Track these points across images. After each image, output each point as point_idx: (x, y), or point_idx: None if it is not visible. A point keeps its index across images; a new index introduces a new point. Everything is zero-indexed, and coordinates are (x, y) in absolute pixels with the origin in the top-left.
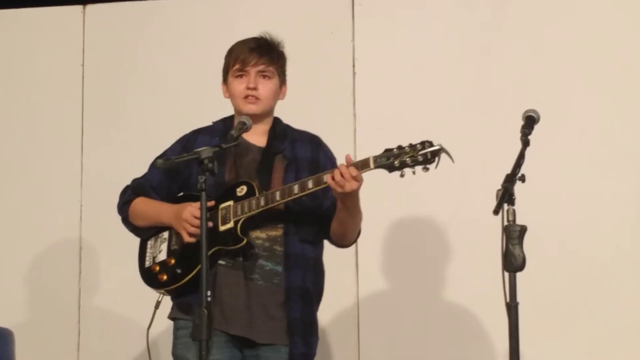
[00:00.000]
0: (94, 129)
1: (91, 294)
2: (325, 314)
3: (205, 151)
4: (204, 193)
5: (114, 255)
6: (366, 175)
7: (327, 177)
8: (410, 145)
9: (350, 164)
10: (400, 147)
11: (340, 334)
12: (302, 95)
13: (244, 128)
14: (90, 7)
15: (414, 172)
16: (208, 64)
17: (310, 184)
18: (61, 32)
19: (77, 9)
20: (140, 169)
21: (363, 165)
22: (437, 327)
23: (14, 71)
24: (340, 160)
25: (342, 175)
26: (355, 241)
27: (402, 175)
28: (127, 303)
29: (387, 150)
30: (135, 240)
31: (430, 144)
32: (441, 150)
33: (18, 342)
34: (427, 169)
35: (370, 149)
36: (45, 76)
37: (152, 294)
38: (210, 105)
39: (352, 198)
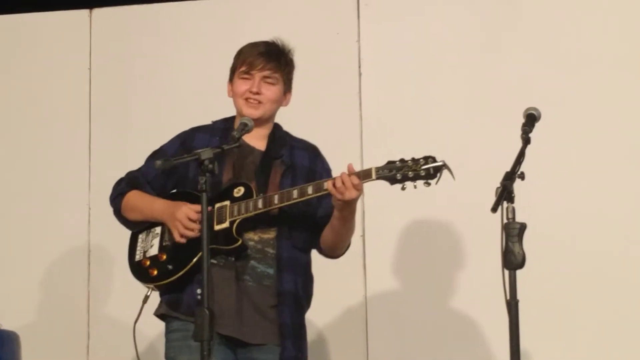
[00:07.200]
0: (102, 132)
1: (100, 297)
2: (332, 313)
3: (205, 152)
4: (204, 194)
5: (122, 258)
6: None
7: (327, 184)
8: (413, 160)
9: (352, 172)
10: (403, 161)
11: (349, 334)
12: (308, 97)
13: (246, 129)
14: (97, 11)
15: (415, 186)
16: (214, 66)
17: (309, 190)
18: (68, 36)
19: (83, 13)
20: None
21: (365, 175)
22: (443, 326)
23: (21, 75)
24: (343, 163)
25: (343, 183)
26: (343, 253)
27: (403, 189)
28: (136, 306)
29: (390, 163)
30: None
31: (434, 160)
32: (444, 166)
33: (28, 346)
34: (428, 184)
35: (377, 151)
36: (52, 80)
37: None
38: (217, 108)
39: (349, 207)
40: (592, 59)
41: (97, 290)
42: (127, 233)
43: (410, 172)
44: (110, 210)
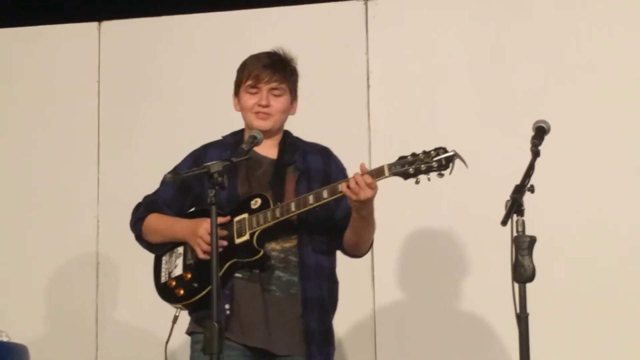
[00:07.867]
0: (110, 145)
1: (109, 309)
2: (341, 324)
3: (214, 165)
4: (214, 207)
5: (131, 270)
6: (380, 187)
7: (342, 186)
8: (425, 152)
9: (364, 172)
10: (414, 155)
11: (357, 344)
12: (317, 108)
13: (255, 142)
14: (106, 24)
15: (429, 179)
16: (223, 78)
17: (325, 194)
18: (77, 49)
19: (92, 25)
20: (156, 184)
21: (378, 173)
22: (452, 338)
23: (30, 88)
24: (353, 171)
25: (357, 183)
26: (367, 251)
27: (417, 182)
28: (145, 318)
29: (402, 158)
30: (152, 255)
31: (445, 150)
32: (455, 156)
33: (37, 359)
34: (441, 175)
35: (385, 162)
36: (61, 92)
37: (169, 309)
38: (226, 120)
39: (366, 207)
40: (603, 68)
41: (106, 302)
42: (136, 245)
43: (422, 165)
44: (119, 222)
